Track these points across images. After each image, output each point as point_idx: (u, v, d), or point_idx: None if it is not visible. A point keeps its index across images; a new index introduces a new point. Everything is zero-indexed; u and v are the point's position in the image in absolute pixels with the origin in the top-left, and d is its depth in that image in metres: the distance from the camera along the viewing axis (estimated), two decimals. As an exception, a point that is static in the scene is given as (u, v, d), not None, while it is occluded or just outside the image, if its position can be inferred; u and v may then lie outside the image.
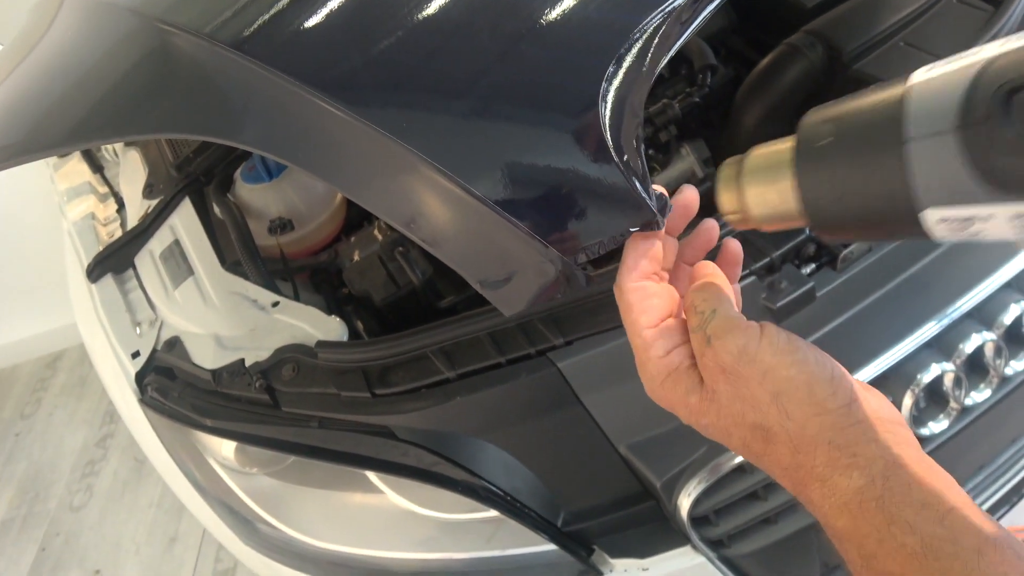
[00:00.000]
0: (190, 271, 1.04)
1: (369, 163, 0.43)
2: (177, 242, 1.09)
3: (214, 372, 0.91)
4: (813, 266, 0.84)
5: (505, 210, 0.40)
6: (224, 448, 0.96)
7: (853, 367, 0.81)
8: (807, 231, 0.83)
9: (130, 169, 1.28)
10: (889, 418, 0.41)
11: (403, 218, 0.43)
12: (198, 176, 1.16)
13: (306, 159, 0.45)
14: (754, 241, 0.83)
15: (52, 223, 1.58)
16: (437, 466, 0.82)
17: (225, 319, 0.97)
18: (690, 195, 0.46)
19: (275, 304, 0.96)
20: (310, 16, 0.47)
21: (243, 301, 0.98)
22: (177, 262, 1.06)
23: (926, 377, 0.83)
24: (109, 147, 1.41)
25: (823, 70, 1.09)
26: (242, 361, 0.91)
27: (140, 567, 2.00)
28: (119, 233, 1.20)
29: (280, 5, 0.47)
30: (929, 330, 0.83)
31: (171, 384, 0.96)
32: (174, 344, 0.99)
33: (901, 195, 0.34)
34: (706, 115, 1.24)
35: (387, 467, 0.84)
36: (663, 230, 0.43)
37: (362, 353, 0.85)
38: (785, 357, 0.40)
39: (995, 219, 0.32)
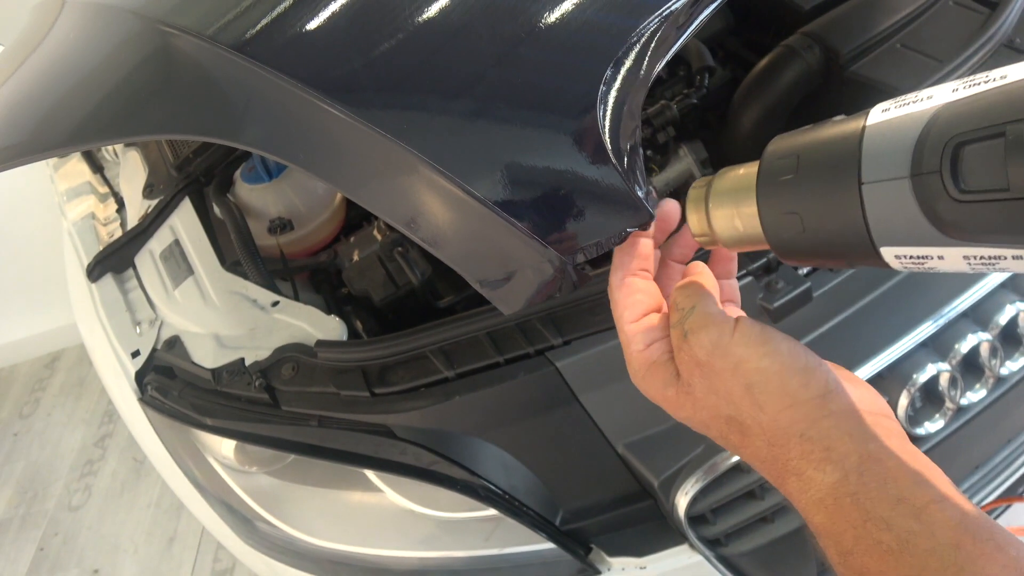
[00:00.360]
0: (190, 271, 1.04)
1: (369, 164, 0.44)
2: (177, 242, 1.09)
3: (214, 371, 0.92)
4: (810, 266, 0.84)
5: (504, 211, 0.41)
6: (224, 447, 0.96)
7: (850, 367, 0.81)
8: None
9: (130, 169, 1.28)
10: (872, 409, 0.40)
11: (403, 218, 0.44)
12: (198, 176, 1.17)
13: (307, 160, 0.46)
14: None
15: (51, 223, 1.59)
16: (436, 465, 0.82)
17: (225, 318, 0.98)
18: (670, 208, 0.46)
19: (275, 304, 0.97)
20: (311, 19, 0.47)
21: (243, 301, 0.99)
22: (177, 262, 1.07)
23: (922, 377, 0.84)
24: (109, 147, 1.41)
25: (820, 72, 1.10)
26: (242, 360, 0.91)
27: (138, 567, 2.00)
28: (119, 233, 1.21)
29: (281, 8, 0.48)
30: (925, 330, 0.84)
31: (171, 383, 0.97)
32: (174, 343, 0.99)
33: (859, 232, 0.35)
34: (704, 116, 1.25)
35: (386, 466, 0.84)
36: (652, 229, 0.44)
37: (361, 352, 0.86)
38: (757, 348, 0.41)
39: (948, 258, 0.34)
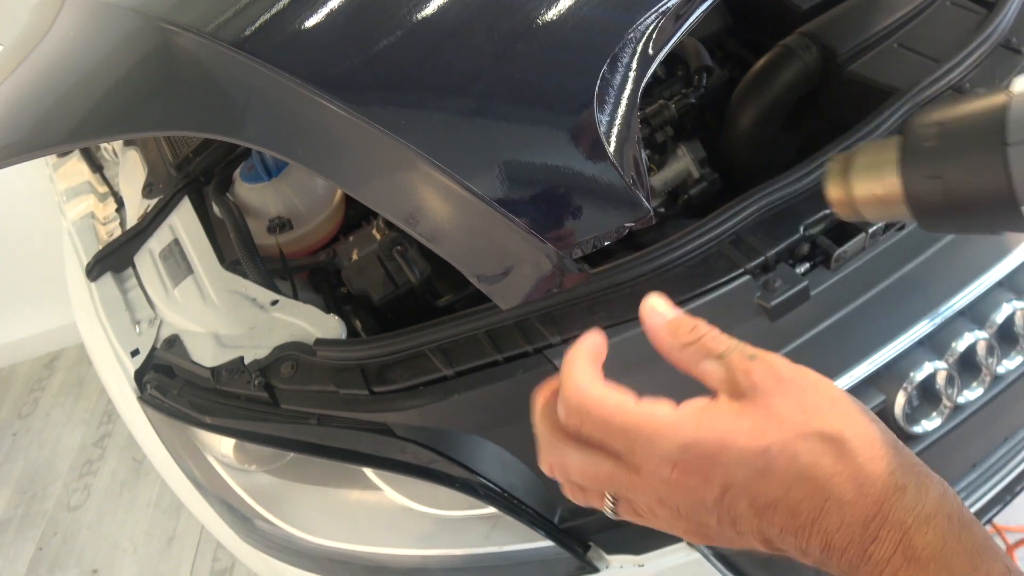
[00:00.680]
0: (189, 270, 1.05)
1: (369, 160, 0.44)
2: (176, 241, 1.09)
3: (213, 370, 0.92)
4: (807, 265, 0.85)
5: (502, 206, 0.41)
6: (223, 445, 0.96)
7: (847, 365, 0.82)
8: (802, 231, 0.84)
9: (129, 169, 1.28)
10: None
11: (402, 214, 0.44)
12: (197, 176, 1.17)
13: (307, 156, 0.46)
14: (748, 240, 0.84)
15: (50, 223, 1.59)
16: (435, 463, 0.82)
17: (224, 317, 0.98)
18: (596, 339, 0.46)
19: (274, 303, 0.97)
20: (311, 16, 0.48)
21: (242, 300, 0.99)
22: (176, 261, 1.07)
23: (919, 375, 0.84)
24: (108, 147, 1.41)
25: (818, 71, 1.10)
26: (241, 359, 0.92)
27: (137, 566, 2.00)
28: (118, 232, 1.21)
29: (281, 5, 0.48)
30: (922, 328, 0.84)
31: (170, 382, 0.97)
32: (173, 342, 0.99)
33: (1002, 191, 0.38)
34: (702, 116, 1.25)
35: (385, 464, 0.85)
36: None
37: (360, 351, 0.86)
38: (821, 375, 0.41)
39: None
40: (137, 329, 1.05)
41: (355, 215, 1.27)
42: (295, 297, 1.01)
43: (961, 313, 0.87)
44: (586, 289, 0.82)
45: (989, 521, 1.07)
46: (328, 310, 0.95)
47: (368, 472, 0.91)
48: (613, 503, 0.41)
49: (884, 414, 0.87)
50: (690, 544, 0.84)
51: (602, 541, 0.86)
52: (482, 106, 0.43)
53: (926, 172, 0.41)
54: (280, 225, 1.17)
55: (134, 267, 1.13)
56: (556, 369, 0.81)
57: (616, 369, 0.79)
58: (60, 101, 0.59)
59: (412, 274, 1.08)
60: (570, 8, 0.45)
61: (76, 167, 1.43)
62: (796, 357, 0.81)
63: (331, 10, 0.48)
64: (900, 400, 0.85)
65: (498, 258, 0.42)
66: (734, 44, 1.36)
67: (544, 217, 0.38)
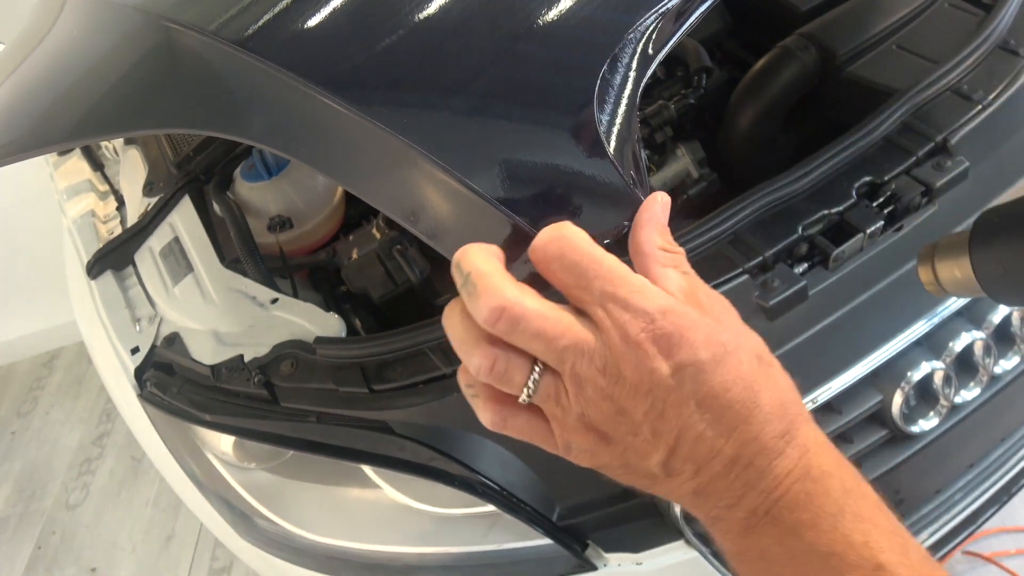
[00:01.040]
0: (189, 268, 1.05)
1: (370, 158, 0.45)
2: (177, 239, 1.09)
3: (213, 368, 0.92)
4: (805, 265, 0.85)
5: (503, 205, 0.42)
6: (222, 443, 0.96)
7: (845, 364, 0.83)
8: (800, 231, 0.84)
9: (130, 167, 1.29)
10: None
11: (403, 212, 0.44)
12: (198, 174, 1.17)
13: (309, 154, 0.46)
14: (746, 240, 0.84)
15: (50, 221, 1.59)
16: (434, 461, 0.83)
17: (224, 315, 0.98)
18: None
19: (274, 301, 0.97)
20: (313, 15, 0.48)
21: (242, 298, 0.99)
22: (177, 259, 1.07)
23: (916, 375, 0.85)
24: (109, 145, 1.41)
25: (816, 73, 1.11)
26: (241, 357, 0.92)
27: (136, 565, 2.00)
28: (119, 231, 1.21)
29: (283, 4, 0.48)
30: (919, 328, 0.84)
31: (170, 380, 0.97)
32: (173, 340, 1.00)
33: None
34: (701, 117, 1.25)
35: (384, 461, 0.85)
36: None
37: (360, 349, 0.86)
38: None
39: None
40: (137, 327, 1.05)
41: (355, 214, 1.27)
42: (295, 295, 1.01)
43: (958, 313, 0.87)
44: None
45: (987, 521, 1.07)
46: (328, 308, 0.95)
47: (367, 470, 0.91)
48: (538, 376, 0.38)
49: (882, 413, 0.87)
50: (688, 542, 0.84)
51: (600, 539, 0.87)
52: (483, 105, 0.43)
53: (989, 258, 0.51)
54: (280, 224, 1.17)
55: (134, 265, 1.13)
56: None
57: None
58: (62, 98, 0.59)
59: (412, 273, 1.09)
60: (571, 8, 0.45)
61: (77, 165, 1.43)
62: (794, 356, 0.82)
63: (333, 9, 0.48)
64: (898, 400, 0.85)
65: (498, 256, 0.43)
66: (733, 45, 1.37)
67: (544, 215, 0.38)
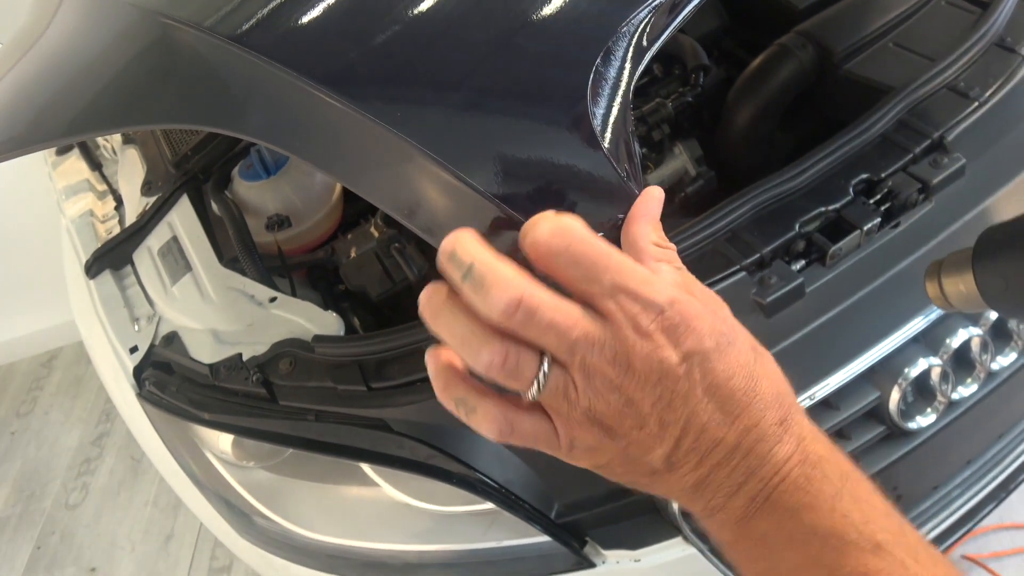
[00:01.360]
0: (188, 267, 1.05)
1: (367, 153, 0.45)
2: (175, 239, 1.10)
3: (212, 366, 0.92)
4: (803, 262, 0.85)
5: (499, 200, 0.42)
6: (221, 442, 0.97)
7: (842, 361, 0.83)
8: (798, 228, 0.84)
9: (128, 167, 1.29)
10: None
11: (399, 207, 0.44)
12: (196, 173, 1.17)
13: (305, 149, 0.46)
14: (744, 237, 0.84)
15: (49, 221, 1.59)
16: (432, 458, 0.83)
17: (223, 314, 0.98)
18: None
19: (272, 300, 0.97)
20: (308, 10, 0.48)
21: (241, 297, 0.99)
22: (175, 258, 1.07)
23: (913, 371, 0.85)
24: (107, 145, 1.42)
25: (814, 70, 1.11)
26: (239, 355, 0.92)
27: (135, 565, 2.00)
28: (117, 230, 1.21)
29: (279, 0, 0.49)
30: (916, 325, 0.85)
31: (169, 378, 0.97)
32: (172, 339, 1.00)
33: None
34: (699, 114, 1.26)
35: (383, 460, 0.85)
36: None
37: (358, 347, 0.86)
38: None
39: None
40: (136, 326, 1.05)
41: (353, 213, 1.27)
42: (293, 294, 1.01)
43: (955, 310, 0.87)
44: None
45: (985, 517, 1.08)
46: (326, 307, 0.95)
47: (366, 468, 0.91)
48: (547, 369, 0.37)
49: (879, 410, 0.87)
50: (686, 539, 0.84)
51: (599, 536, 0.87)
52: (477, 100, 0.43)
53: (991, 272, 0.55)
54: (278, 223, 1.17)
55: (133, 265, 1.14)
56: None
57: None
58: (60, 94, 0.59)
59: (410, 271, 1.09)
60: (564, 2, 0.45)
61: (75, 165, 1.43)
62: (792, 353, 0.83)
63: (328, 5, 0.48)
64: (895, 396, 0.85)
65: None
66: (731, 43, 1.37)
67: (539, 209, 0.38)
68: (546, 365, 0.37)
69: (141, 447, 1.13)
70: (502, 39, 0.44)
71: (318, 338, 0.89)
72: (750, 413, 0.38)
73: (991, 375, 0.93)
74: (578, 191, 0.42)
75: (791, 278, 0.80)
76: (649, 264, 0.39)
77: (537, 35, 0.44)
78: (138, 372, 1.00)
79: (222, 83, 0.48)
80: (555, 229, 0.36)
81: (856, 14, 1.11)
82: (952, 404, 0.91)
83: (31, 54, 0.68)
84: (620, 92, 0.43)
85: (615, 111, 0.43)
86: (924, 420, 0.89)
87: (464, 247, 0.36)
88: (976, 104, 0.92)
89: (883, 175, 0.87)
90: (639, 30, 0.44)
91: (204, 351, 0.96)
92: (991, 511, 1.08)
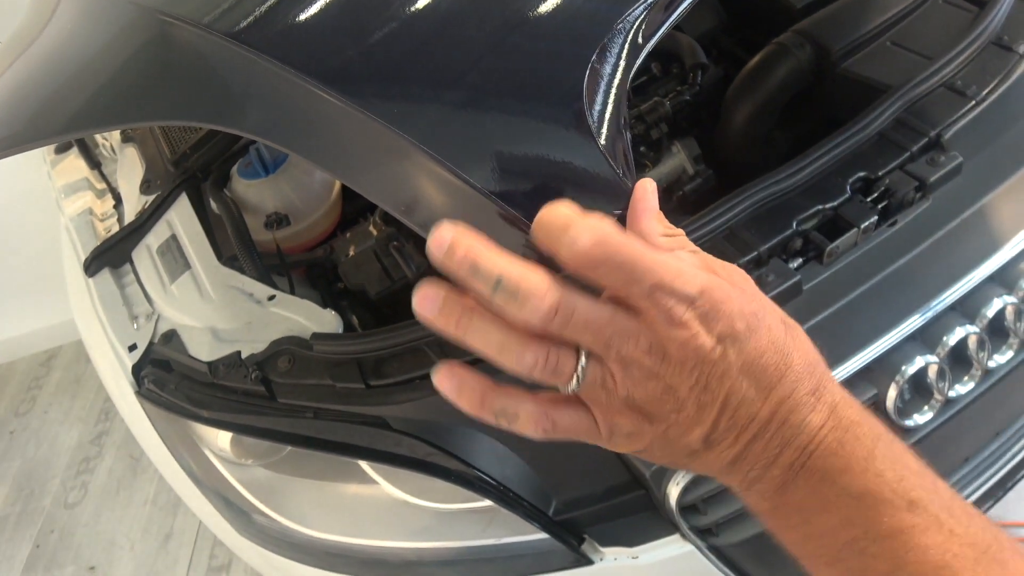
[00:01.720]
0: (187, 265, 1.05)
1: (365, 150, 0.45)
2: (174, 237, 1.10)
3: (210, 364, 0.92)
4: (800, 260, 0.85)
5: (496, 196, 0.42)
6: (220, 439, 0.97)
7: (839, 358, 0.83)
8: (795, 226, 0.85)
9: (127, 165, 1.29)
10: None
11: (398, 204, 0.44)
12: (195, 172, 1.17)
13: (303, 146, 0.46)
14: (741, 235, 0.84)
15: (48, 220, 1.59)
16: (431, 456, 0.83)
17: (222, 312, 0.98)
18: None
19: (271, 298, 0.97)
20: (306, 7, 0.48)
21: (239, 295, 0.99)
22: (174, 256, 1.07)
23: (910, 369, 0.85)
24: (106, 143, 1.42)
25: (811, 69, 1.11)
26: (238, 353, 0.92)
27: (135, 564, 2.01)
28: (116, 228, 1.22)
29: (277, -3, 0.49)
30: (913, 323, 0.85)
31: (168, 376, 0.97)
32: (171, 337, 1.00)
33: None
34: (697, 113, 1.26)
35: (381, 457, 0.85)
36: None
37: (357, 345, 0.87)
38: None
39: None
40: (135, 324, 1.05)
41: (352, 211, 1.27)
42: (292, 292, 1.01)
43: (952, 308, 0.88)
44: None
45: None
46: (325, 305, 0.95)
47: (365, 466, 0.92)
48: (585, 362, 0.38)
49: (876, 407, 0.88)
50: (683, 536, 0.85)
51: (596, 533, 0.87)
52: (474, 97, 0.43)
53: None
54: (277, 221, 1.18)
55: (132, 263, 1.14)
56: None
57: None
58: (59, 92, 0.59)
59: (408, 269, 1.09)
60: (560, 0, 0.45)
61: (74, 163, 1.43)
62: (788, 350, 0.82)
63: (326, 2, 0.48)
64: (892, 393, 0.86)
65: (491, 248, 0.43)
66: (729, 42, 1.37)
67: (535, 205, 0.38)
68: (583, 359, 0.38)
69: (140, 445, 1.13)
70: (498, 36, 0.44)
71: (317, 336, 0.89)
72: (783, 386, 0.39)
73: (988, 373, 0.93)
74: (574, 187, 0.42)
75: (788, 276, 0.80)
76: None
77: (533, 32, 0.44)
78: (137, 370, 1.00)
79: (220, 80, 0.49)
80: (596, 240, 0.36)
81: (854, 13, 1.11)
82: (949, 402, 0.91)
83: (30, 51, 0.68)
84: (616, 89, 0.43)
85: (611, 108, 0.43)
86: (921, 418, 0.89)
87: (487, 260, 0.36)
88: (973, 103, 0.92)
89: (880, 173, 0.87)
90: (634, 27, 0.44)
91: (203, 349, 0.96)
92: (989, 509, 1.08)
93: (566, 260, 0.36)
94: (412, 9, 0.46)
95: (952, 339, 0.87)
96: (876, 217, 0.84)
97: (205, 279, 1.02)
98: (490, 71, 0.44)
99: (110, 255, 1.15)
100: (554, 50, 0.45)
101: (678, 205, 1.18)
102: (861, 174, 0.87)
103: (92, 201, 1.32)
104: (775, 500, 0.40)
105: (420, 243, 1.09)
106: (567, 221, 0.36)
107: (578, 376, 0.38)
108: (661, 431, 0.40)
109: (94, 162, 1.42)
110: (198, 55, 0.50)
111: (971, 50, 0.96)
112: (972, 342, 0.88)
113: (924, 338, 0.87)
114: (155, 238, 1.12)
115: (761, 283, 0.80)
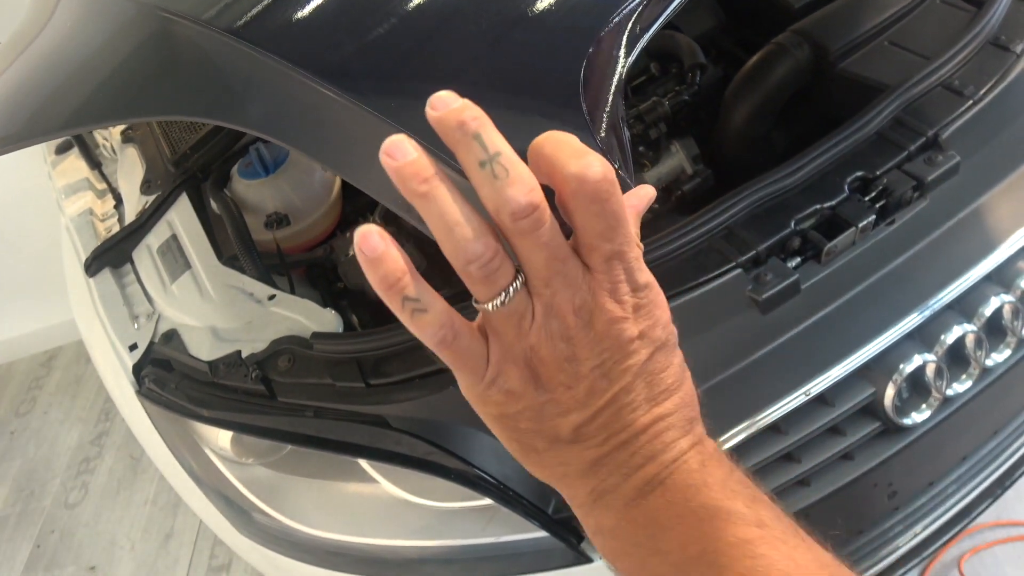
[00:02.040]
0: (187, 265, 1.05)
1: (363, 145, 0.45)
2: (174, 237, 1.10)
3: (211, 364, 0.93)
4: (798, 259, 0.86)
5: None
6: (220, 438, 0.97)
7: (837, 357, 0.83)
8: (793, 225, 0.85)
9: (128, 165, 1.29)
10: None
11: (397, 200, 0.45)
12: (195, 172, 1.18)
13: (303, 141, 0.47)
14: (740, 235, 0.85)
15: (49, 220, 1.60)
16: (431, 455, 0.83)
17: (222, 312, 0.99)
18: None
19: (271, 297, 0.98)
20: (305, 3, 0.49)
21: (240, 294, 1.00)
22: (174, 256, 1.08)
23: (908, 367, 0.85)
24: (107, 144, 1.42)
25: (809, 69, 1.12)
26: (238, 353, 0.92)
27: (135, 564, 2.01)
28: (117, 228, 1.22)
29: (276, -7, 0.49)
30: (911, 321, 0.85)
31: (168, 376, 0.98)
32: (171, 337, 1.00)
33: None
34: (696, 113, 1.26)
35: (381, 456, 0.85)
36: None
37: (357, 344, 0.87)
38: None
39: None
40: (135, 324, 1.05)
41: (352, 211, 1.28)
42: (292, 292, 1.02)
43: (950, 306, 0.88)
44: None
45: (981, 513, 1.08)
46: (325, 304, 0.96)
47: (364, 464, 0.92)
48: (519, 287, 0.36)
49: (874, 406, 0.88)
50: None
51: (596, 532, 0.87)
52: (472, 91, 0.43)
53: None
54: (277, 221, 1.18)
55: (132, 263, 1.14)
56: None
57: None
58: (61, 88, 0.60)
59: (408, 269, 1.09)
60: (556, -6, 0.46)
61: (74, 164, 1.43)
62: (787, 349, 0.83)
63: (325, -1, 0.49)
64: (890, 392, 0.86)
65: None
66: (727, 42, 1.37)
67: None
68: (518, 283, 0.36)
69: (140, 445, 1.13)
70: (496, 31, 0.45)
71: (317, 335, 0.90)
72: (668, 404, 0.39)
73: (986, 371, 0.93)
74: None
75: (786, 275, 0.80)
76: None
77: (530, 26, 0.45)
78: (137, 369, 1.00)
79: (220, 76, 0.49)
80: (608, 175, 0.34)
81: (851, 13, 1.12)
82: (947, 400, 0.91)
83: (32, 48, 0.68)
84: (613, 82, 0.43)
85: (608, 101, 0.43)
86: (919, 416, 0.90)
87: (494, 137, 0.33)
88: (971, 102, 0.93)
89: (878, 173, 0.88)
90: (631, 20, 0.45)
91: (203, 348, 0.96)
92: (987, 507, 1.09)
93: (569, 179, 0.34)
94: (409, 5, 0.46)
95: (950, 338, 0.87)
96: (874, 216, 0.85)
97: (205, 279, 1.02)
98: (488, 65, 0.44)
99: (111, 255, 1.15)
100: (551, 43, 0.45)
101: (676, 204, 1.19)
102: (859, 173, 0.88)
103: (92, 201, 1.33)
104: (623, 515, 0.40)
105: (420, 243, 1.10)
106: (587, 149, 0.34)
107: (506, 295, 0.36)
108: (540, 402, 0.38)
109: (94, 162, 1.42)
110: (198, 51, 0.50)
111: (968, 50, 0.97)
112: (970, 341, 0.89)
113: (922, 337, 0.88)
114: (155, 238, 1.12)
115: (759, 282, 0.81)
